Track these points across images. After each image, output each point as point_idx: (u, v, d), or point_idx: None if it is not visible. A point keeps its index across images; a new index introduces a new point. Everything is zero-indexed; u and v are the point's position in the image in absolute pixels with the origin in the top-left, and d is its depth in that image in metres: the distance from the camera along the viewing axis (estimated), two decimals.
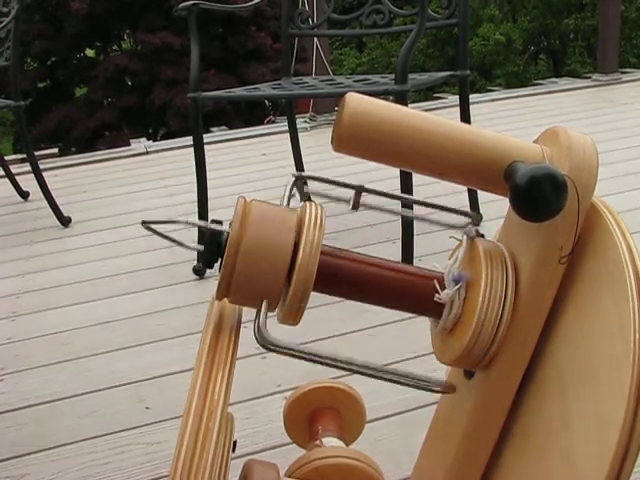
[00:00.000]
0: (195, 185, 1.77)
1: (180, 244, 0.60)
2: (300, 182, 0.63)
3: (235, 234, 0.56)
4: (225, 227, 0.58)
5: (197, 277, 1.75)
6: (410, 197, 0.66)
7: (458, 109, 1.88)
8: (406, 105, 1.56)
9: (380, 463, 0.76)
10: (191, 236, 1.97)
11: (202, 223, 0.57)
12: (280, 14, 2.11)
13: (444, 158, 0.57)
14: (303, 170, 2.21)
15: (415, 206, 0.69)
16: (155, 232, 0.59)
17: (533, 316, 0.58)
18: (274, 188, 2.41)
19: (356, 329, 1.43)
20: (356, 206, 0.62)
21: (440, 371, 0.79)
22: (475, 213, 0.64)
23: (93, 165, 3.16)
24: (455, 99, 2.52)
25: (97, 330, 1.54)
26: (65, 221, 2.29)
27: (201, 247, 0.57)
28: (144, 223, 0.59)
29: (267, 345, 0.57)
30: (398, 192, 1.63)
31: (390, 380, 0.62)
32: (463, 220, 0.64)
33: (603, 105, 3.53)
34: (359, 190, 0.63)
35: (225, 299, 0.59)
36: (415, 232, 1.60)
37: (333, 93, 1.77)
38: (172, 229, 0.58)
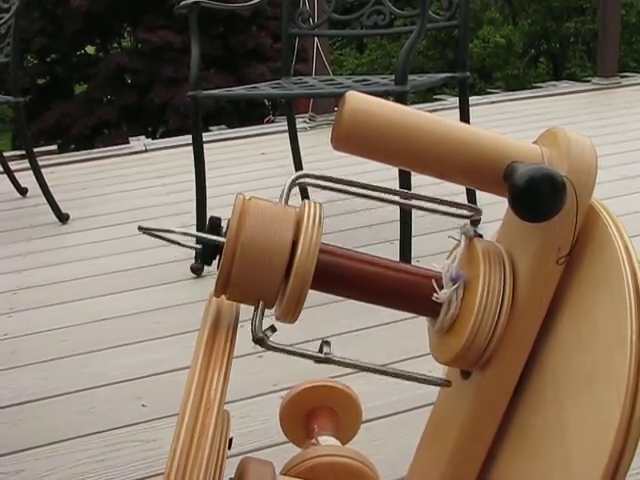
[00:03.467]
0: (194, 183, 1.77)
1: (178, 243, 0.59)
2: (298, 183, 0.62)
3: (233, 231, 0.56)
4: (223, 230, 0.58)
5: (195, 275, 1.75)
6: (412, 193, 0.64)
7: (457, 111, 1.88)
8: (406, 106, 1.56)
9: (376, 463, 0.76)
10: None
11: (199, 234, 0.57)
12: (281, 14, 2.10)
13: (443, 158, 0.57)
14: (302, 170, 2.21)
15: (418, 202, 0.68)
16: (153, 234, 0.59)
17: (530, 316, 0.58)
18: (273, 187, 2.40)
19: (356, 328, 1.43)
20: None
21: (438, 371, 0.79)
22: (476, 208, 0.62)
23: (92, 162, 3.16)
24: (455, 101, 2.53)
25: (94, 327, 1.54)
26: (63, 218, 2.29)
27: (197, 246, 0.58)
28: (140, 229, 0.58)
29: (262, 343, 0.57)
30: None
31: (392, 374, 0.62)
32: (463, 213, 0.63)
33: (602, 109, 3.54)
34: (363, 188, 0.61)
35: (223, 296, 0.59)
36: (413, 233, 1.60)
37: (333, 93, 1.77)
38: (171, 225, 0.58)
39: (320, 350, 0.59)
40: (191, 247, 0.59)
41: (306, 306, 0.58)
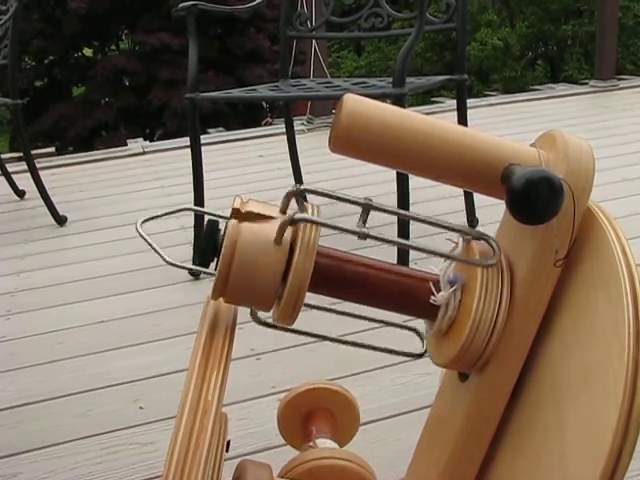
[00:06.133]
0: (192, 186, 1.77)
1: (165, 259, 0.59)
2: (299, 196, 0.57)
3: (231, 233, 0.56)
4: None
5: (193, 277, 1.74)
6: (419, 216, 0.61)
7: (455, 113, 1.88)
8: (404, 108, 1.56)
9: (374, 465, 0.76)
10: (187, 237, 1.97)
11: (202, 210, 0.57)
12: (279, 16, 2.11)
13: (441, 160, 0.57)
14: (300, 172, 2.21)
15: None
16: (145, 240, 0.59)
17: (528, 319, 0.58)
18: (271, 190, 2.41)
19: (354, 331, 1.42)
20: (363, 236, 0.56)
21: (436, 374, 0.79)
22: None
23: (90, 164, 3.15)
24: (452, 103, 2.53)
25: (92, 329, 1.54)
26: (61, 220, 2.29)
27: (184, 264, 0.58)
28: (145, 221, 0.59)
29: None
30: (395, 194, 1.61)
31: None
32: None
33: (600, 111, 3.54)
34: (366, 207, 0.56)
35: (221, 299, 0.59)
36: (411, 235, 1.60)
37: (331, 95, 1.77)
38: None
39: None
40: (178, 265, 0.60)
41: (304, 308, 0.58)
